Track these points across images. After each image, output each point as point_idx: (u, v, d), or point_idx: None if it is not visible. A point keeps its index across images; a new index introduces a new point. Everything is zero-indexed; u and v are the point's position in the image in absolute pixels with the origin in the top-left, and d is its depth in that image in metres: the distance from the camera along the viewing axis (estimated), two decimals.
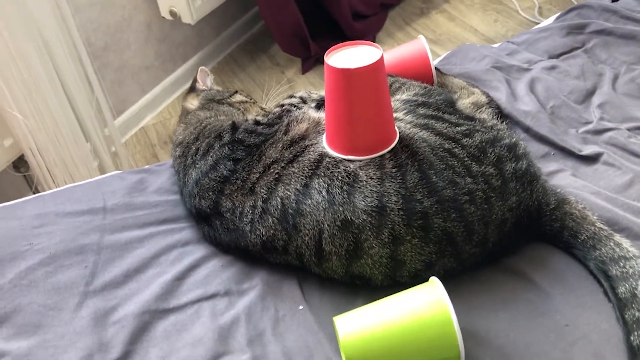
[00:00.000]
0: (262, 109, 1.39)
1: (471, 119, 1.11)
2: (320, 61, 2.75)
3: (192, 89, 1.44)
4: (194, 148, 1.17)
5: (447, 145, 1.02)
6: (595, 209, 1.07)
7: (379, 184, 0.97)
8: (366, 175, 0.99)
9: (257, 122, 1.19)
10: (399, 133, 1.05)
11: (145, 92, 2.57)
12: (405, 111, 1.12)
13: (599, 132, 1.26)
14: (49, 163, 1.88)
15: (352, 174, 0.99)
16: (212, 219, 1.09)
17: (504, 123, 1.17)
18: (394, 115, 1.10)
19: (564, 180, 1.17)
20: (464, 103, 1.27)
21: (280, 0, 2.48)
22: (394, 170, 0.98)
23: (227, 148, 1.11)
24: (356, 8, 2.73)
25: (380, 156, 1.01)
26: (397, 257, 0.96)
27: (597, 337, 0.92)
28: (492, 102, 1.29)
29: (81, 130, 1.97)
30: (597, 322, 0.94)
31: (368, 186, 0.97)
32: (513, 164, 1.02)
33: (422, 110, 1.11)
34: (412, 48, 1.37)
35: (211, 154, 1.12)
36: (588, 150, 1.22)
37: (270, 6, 2.51)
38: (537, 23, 2.73)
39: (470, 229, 0.97)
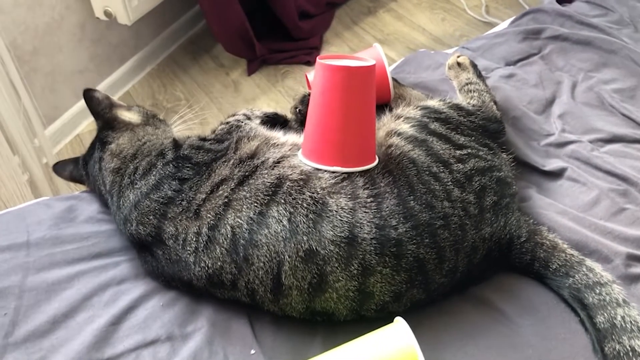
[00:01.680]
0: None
1: (487, 145, 1.07)
2: (267, 62, 2.65)
3: (112, 106, 1.25)
4: (132, 167, 1.05)
5: (434, 169, 0.98)
6: (563, 230, 1.02)
7: (350, 215, 0.89)
8: (336, 205, 0.90)
9: (202, 138, 1.10)
10: (393, 148, 1.01)
11: (80, 97, 2.39)
12: (415, 124, 1.06)
13: (561, 144, 1.22)
14: None
15: (320, 201, 0.90)
16: (153, 248, 0.98)
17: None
18: (397, 123, 1.07)
19: (529, 198, 1.11)
20: None
21: (224, 1, 2.36)
22: (368, 200, 0.91)
23: (171, 166, 1.01)
24: (302, 7, 2.64)
25: (354, 184, 0.94)
26: (366, 289, 0.89)
27: None
28: None
29: (7, 143, 1.80)
30: (572, 355, 0.89)
31: (338, 216, 0.89)
32: (495, 198, 0.98)
33: (434, 125, 1.06)
34: (368, 57, 1.28)
35: (153, 172, 1.01)
36: (551, 165, 1.17)
37: (214, 6, 2.39)
38: (485, 22, 2.72)
39: (441, 255, 0.92)
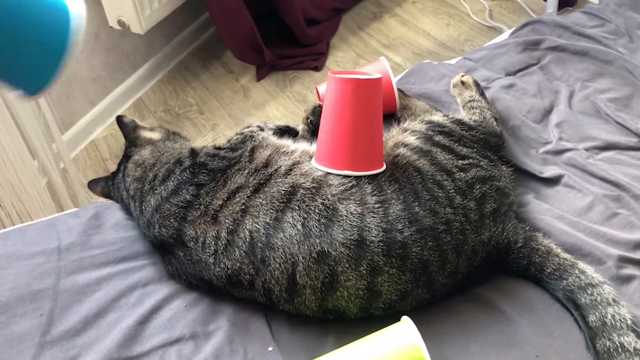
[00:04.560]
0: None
1: (487, 157, 1.13)
2: (276, 68, 2.72)
3: (135, 128, 1.37)
4: (151, 174, 1.14)
5: (438, 177, 1.04)
6: (559, 234, 1.09)
7: (359, 220, 0.97)
8: (346, 210, 0.98)
9: (217, 147, 1.17)
10: (400, 157, 1.08)
11: (94, 104, 2.48)
12: (420, 137, 1.13)
13: (558, 152, 1.28)
14: None
15: (331, 207, 0.98)
16: (175, 250, 1.05)
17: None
18: (404, 136, 1.14)
19: (527, 203, 1.18)
20: None
21: (233, 9, 2.43)
22: (376, 205, 0.99)
23: (188, 172, 1.09)
24: (309, 14, 2.70)
25: (362, 191, 1.01)
26: (374, 288, 0.96)
27: None
28: None
29: (27, 148, 1.88)
30: (566, 352, 0.96)
31: (348, 221, 0.96)
32: (494, 205, 1.05)
33: (438, 137, 1.13)
34: (374, 71, 1.35)
35: (172, 178, 1.09)
36: (549, 172, 1.23)
37: (223, 14, 2.46)
38: (489, 26, 2.77)
39: (444, 257, 0.98)
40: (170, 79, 2.74)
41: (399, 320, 0.93)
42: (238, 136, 1.22)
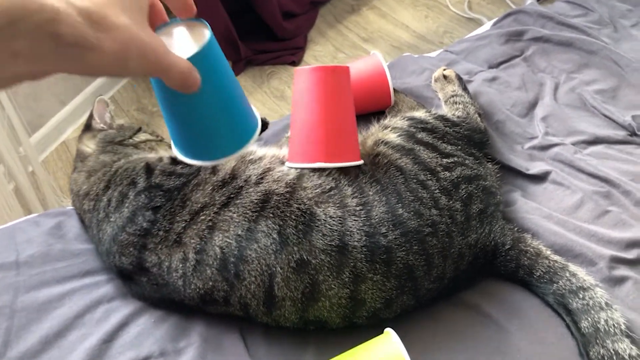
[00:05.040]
0: (169, 147, 1.21)
1: (472, 155, 1.08)
2: (252, 63, 2.65)
3: (88, 128, 1.24)
4: (105, 199, 1.03)
5: (422, 177, 0.99)
6: (548, 235, 1.04)
7: (339, 224, 0.90)
8: (324, 214, 0.91)
9: (174, 161, 1.05)
10: (380, 157, 1.03)
11: (65, 103, 2.39)
12: (399, 133, 1.07)
13: (544, 147, 1.23)
14: None
15: (308, 212, 0.91)
16: (136, 277, 0.97)
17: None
18: (385, 133, 1.08)
19: (515, 202, 1.13)
20: None
21: (207, 2, 2.35)
22: (357, 208, 0.93)
23: (143, 196, 0.99)
24: (285, 7, 2.64)
25: (342, 193, 0.95)
26: (358, 296, 0.90)
27: None
28: None
29: None
30: (559, 358, 0.91)
31: (327, 225, 0.90)
32: (481, 206, 1.00)
33: (420, 135, 1.07)
34: (370, 66, 1.30)
35: (126, 204, 0.99)
36: (535, 168, 1.18)
37: (197, 8, 2.37)
38: (468, 18, 2.72)
39: (430, 261, 0.93)
40: (143, 76, 2.65)
41: (382, 329, 0.88)
42: None
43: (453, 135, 1.09)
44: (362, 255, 0.89)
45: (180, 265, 0.93)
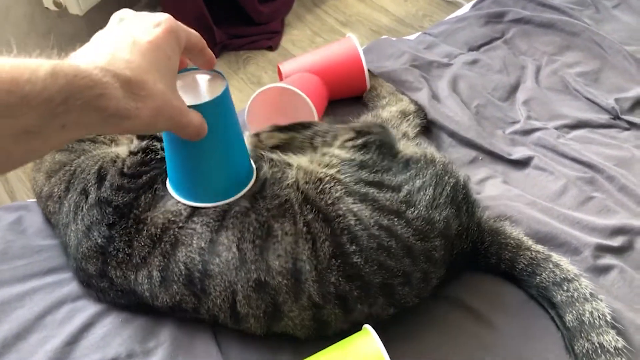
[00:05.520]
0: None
1: (406, 165, 0.93)
2: (228, 49, 2.58)
3: None
4: (66, 204, 0.95)
5: (385, 222, 0.84)
6: (532, 223, 1.00)
7: (294, 243, 0.82)
8: (281, 230, 0.83)
9: (122, 173, 0.93)
10: (323, 184, 0.88)
11: None
12: (341, 171, 0.90)
13: (526, 132, 1.19)
14: None
15: (265, 225, 0.84)
16: (100, 283, 0.91)
17: (428, 141, 1.03)
18: (327, 170, 0.90)
19: (496, 189, 1.09)
20: (391, 111, 1.16)
21: None
22: (304, 229, 0.83)
23: (95, 211, 0.90)
24: None
25: (294, 210, 0.85)
26: (321, 318, 0.84)
27: None
28: (419, 111, 1.19)
29: None
30: (544, 352, 0.87)
31: (283, 243, 0.82)
32: (457, 222, 0.90)
33: (363, 175, 0.89)
34: (344, 49, 1.25)
35: (80, 216, 0.92)
36: (518, 154, 1.14)
37: None
38: (447, 1, 2.68)
39: (402, 306, 0.86)
40: None
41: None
42: (136, 157, 0.95)
43: (377, 161, 0.93)
44: (315, 292, 0.82)
45: (147, 281, 0.87)
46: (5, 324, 0.90)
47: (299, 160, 0.95)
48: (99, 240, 0.89)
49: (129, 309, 0.93)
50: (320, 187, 0.87)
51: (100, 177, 0.94)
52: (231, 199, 0.87)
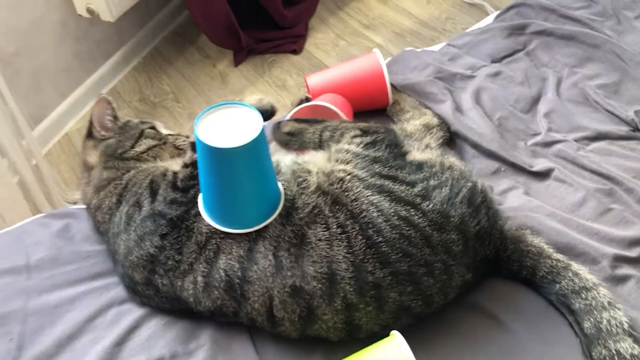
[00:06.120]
0: (176, 147, 1.19)
1: (419, 168, 1.00)
2: (253, 52, 2.64)
3: (90, 134, 1.18)
4: (118, 215, 1.03)
5: (403, 213, 0.92)
6: (552, 233, 1.05)
7: (328, 247, 0.89)
8: (315, 237, 0.91)
9: (175, 186, 1.02)
10: (345, 183, 0.95)
11: (66, 95, 2.39)
12: (357, 166, 0.98)
13: (547, 144, 1.24)
14: None
15: (300, 234, 0.91)
16: (146, 291, 0.99)
17: (449, 150, 1.09)
18: (344, 166, 0.99)
19: (518, 199, 1.14)
20: (415, 124, 1.22)
21: None
22: (338, 230, 0.91)
23: (149, 223, 0.98)
24: None
25: (324, 213, 0.93)
26: (353, 322, 0.91)
27: None
28: (442, 125, 1.25)
29: None
30: (563, 357, 0.92)
31: (317, 249, 0.90)
32: (475, 222, 0.96)
33: (378, 168, 0.98)
34: (368, 66, 1.31)
35: (133, 227, 1.00)
36: (539, 165, 1.19)
37: None
38: (470, 4, 2.71)
39: (429, 301, 0.92)
40: (145, 66, 2.65)
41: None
42: (188, 169, 1.04)
43: (388, 157, 1.01)
44: (351, 288, 0.88)
45: (191, 287, 0.95)
46: (59, 325, 0.98)
47: (317, 162, 1.03)
48: (151, 250, 0.96)
49: (172, 312, 1.00)
50: (343, 186, 0.95)
51: (153, 191, 1.02)
52: (260, 226, 0.93)
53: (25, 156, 1.97)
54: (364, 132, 1.04)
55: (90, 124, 1.18)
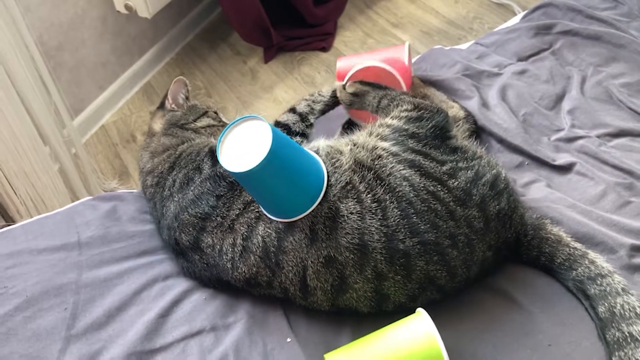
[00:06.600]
0: None
1: (454, 150, 1.07)
2: (284, 50, 2.71)
3: (162, 105, 1.37)
4: (170, 179, 1.13)
5: (431, 188, 0.99)
6: (572, 223, 1.10)
7: (360, 219, 0.96)
8: (347, 210, 0.97)
9: None
10: (382, 160, 1.02)
11: (103, 88, 2.49)
12: (393, 142, 1.05)
13: (570, 140, 1.28)
14: (9, 175, 1.81)
15: (334, 208, 0.98)
16: (190, 254, 1.07)
17: (478, 143, 1.14)
18: (380, 143, 1.06)
19: (540, 192, 1.19)
20: None
21: None
22: (373, 205, 0.97)
23: (209, 183, 1.08)
24: None
25: (356, 189, 0.99)
26: (382, 291, 0.97)
27: (579, 356, 0.95)
28: (469, 117, 1.30)
29: (39, 135, 1.89)
30: (579, 340, 0.97)
31: (349, 221, 0.96)
32: (496, 203, 1.01)
33: (411, 143, 1.05)
34: (391, 53, 1.33)
35: (192, 187, 1.09)
36: (561, 159, 1.24)
37: None
38: (497, 3, 2.74)
39: (452, 272, 0.98)
40: (178, 62, 2.74)
41: (414, 311, 0.95)
42: None
43: (426, 136, 1.07)
44: (382, 257, 0.95)
45: (230, 250, 1.02)
46: (109, 297, 1.06)
47: (356, 138, 1.10)
48: (206, 209, 1.05)
49: (211, 285, 1.08)
50: (381, 162, 1.02)
51: (213, 157, 1.11)
52: (304, 214, 0.98)
53: (66, 145, 2.06)
54: (415, 107, 1.10)
55: (165, 97, 1.35)
